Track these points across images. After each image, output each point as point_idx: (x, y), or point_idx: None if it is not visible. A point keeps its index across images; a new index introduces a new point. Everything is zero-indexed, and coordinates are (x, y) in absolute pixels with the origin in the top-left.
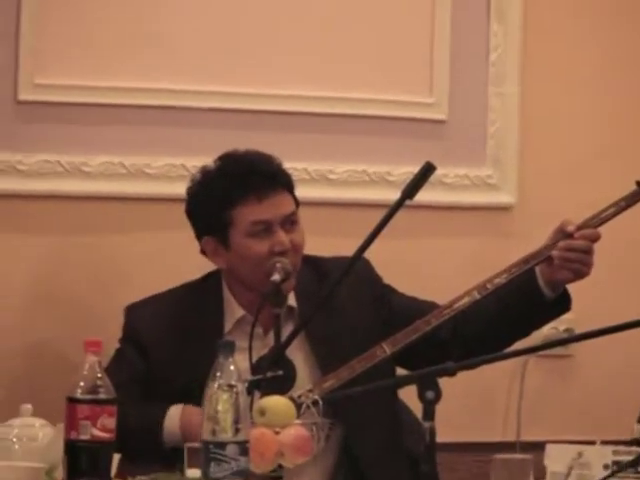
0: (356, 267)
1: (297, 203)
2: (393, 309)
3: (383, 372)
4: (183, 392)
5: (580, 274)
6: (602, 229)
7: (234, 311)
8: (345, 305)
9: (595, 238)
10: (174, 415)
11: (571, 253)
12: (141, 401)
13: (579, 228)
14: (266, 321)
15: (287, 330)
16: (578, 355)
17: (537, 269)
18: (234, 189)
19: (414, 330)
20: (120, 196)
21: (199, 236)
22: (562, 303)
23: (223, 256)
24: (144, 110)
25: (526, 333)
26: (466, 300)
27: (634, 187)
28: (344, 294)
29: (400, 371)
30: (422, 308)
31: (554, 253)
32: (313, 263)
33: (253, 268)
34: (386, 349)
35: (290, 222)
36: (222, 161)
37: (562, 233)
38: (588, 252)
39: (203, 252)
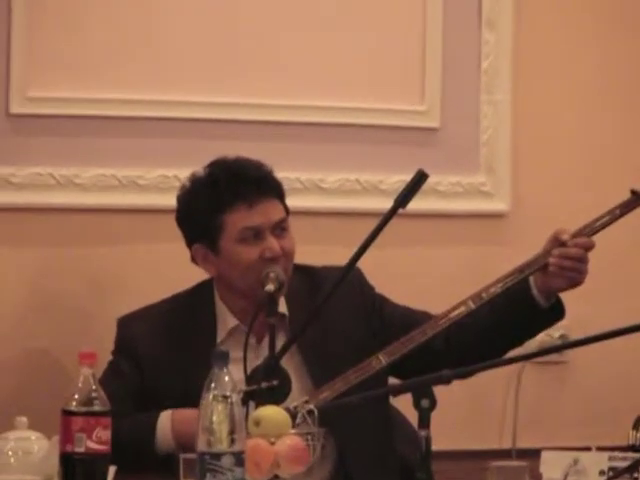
0: (348, 276)
1: (287, 211)
2: (385, 319)
3: (376, 381)
4: (178, 404)
5: (575, 282)
6: (596, 236)
7: (227, 321)
8: (337, 315)
9: (589, 247)
10: (165, 421)
11: (566, 261)
12: (133, 412)
13: (573, 237)
14: (259, 330)
15: (279, 338)
16: (573, 362)
17: (531, 278)
18: (224, 195)
19: (410, 340)
20: (113, 208)
21: (189, 244)
22: (556, 311)
23: (213, 263)
24: (136, 122)
25: (520, 342)
26: (461, 310)
27: (628, 194)
28: (336, 303)
29: (392, 380)
30: (415, 318)
31: (550, 260)
32: (305, 272)
33: (243, 274)
34: (382, 360)
35: (280, 228)
36: (212, 168)
37: (556, 242)
38: (583, 260)
39: (194, 260)
